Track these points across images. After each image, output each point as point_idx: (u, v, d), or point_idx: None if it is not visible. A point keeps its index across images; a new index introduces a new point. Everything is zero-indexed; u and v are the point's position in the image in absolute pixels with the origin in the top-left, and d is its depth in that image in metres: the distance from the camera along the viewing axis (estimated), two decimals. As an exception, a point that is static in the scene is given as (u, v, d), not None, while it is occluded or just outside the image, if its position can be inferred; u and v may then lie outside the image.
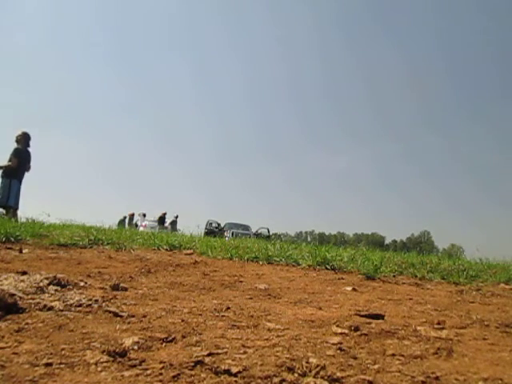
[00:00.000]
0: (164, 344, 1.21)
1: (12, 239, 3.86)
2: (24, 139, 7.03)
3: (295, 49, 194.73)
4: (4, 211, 6.89)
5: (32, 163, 7.18)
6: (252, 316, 1.67)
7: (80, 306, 1.59)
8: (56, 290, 1.79)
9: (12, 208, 6.87)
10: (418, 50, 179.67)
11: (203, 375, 0.98)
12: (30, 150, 7.15)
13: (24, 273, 2.04)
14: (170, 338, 1.25)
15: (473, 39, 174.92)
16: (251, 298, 2.11)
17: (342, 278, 3.14)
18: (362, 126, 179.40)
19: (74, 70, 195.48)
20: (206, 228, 18.41)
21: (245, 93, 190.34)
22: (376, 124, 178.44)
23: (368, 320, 1.70)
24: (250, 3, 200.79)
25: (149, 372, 0.97)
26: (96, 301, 1.68)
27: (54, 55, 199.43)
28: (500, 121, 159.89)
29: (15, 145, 6.98)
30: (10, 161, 6.83)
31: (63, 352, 1.07)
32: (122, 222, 19.95)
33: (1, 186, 6.79)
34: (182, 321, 1.49)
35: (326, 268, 3.67)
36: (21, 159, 6.88)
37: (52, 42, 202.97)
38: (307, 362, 1.08)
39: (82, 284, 2.02)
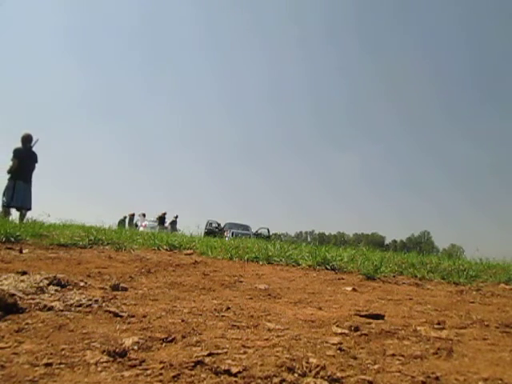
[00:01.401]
0: (164, 344, 1.21)
1: (12, 239, 3.86)
2: (24, 140, 7.07)
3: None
4: (4, 211, 6.91)
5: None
6: (252, 316, 1.67)
7: (80, 306, 1.59)
8: (56, 290, 1.79)
9: (17, 208, 6.91)
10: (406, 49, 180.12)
11: (203, 375, 0.98)
12: (34, 150, 7.18)
13: (24, 273, 2.04)
14: (170, 338, 1.25)
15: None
16: (251, 298, 2.11)
17: (342, 278, 3.14)
18: (361, 128, 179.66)
19: (75, 70, 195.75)
20: (206, 228, 18.42)
21: (235, 99, 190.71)
22: (375, 124, 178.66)
23: (368, 320, 1.70)
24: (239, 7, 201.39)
25: (149, 372, 0.97)
26: (96, 301, 1.68)
27: (55, 55, 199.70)
28: (498, 120, 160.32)
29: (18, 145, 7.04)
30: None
31: (63, 352, 1.07)
32: (122, 222, 19.96)
33: (5, 188, 6.84)
34: (182, 321, 1.49)
35: (326, 268, 3.67)
36: (20, 159, 6.90)
37: (52, 42, 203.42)
38: (307, 362, 1.08)
39: (82, 284, 2.02)
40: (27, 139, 7.10)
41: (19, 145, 7.06)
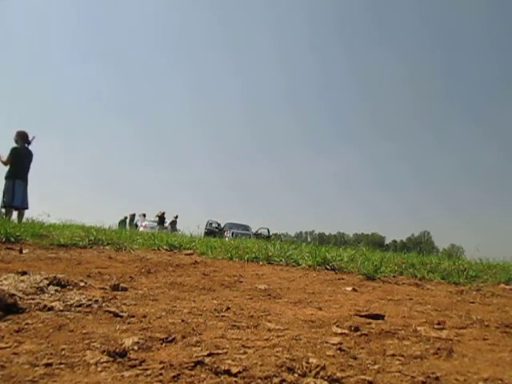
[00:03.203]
0: (164, 344, 1.21)
1: (12, 239, 3.86)
2: (20, 138, 7.01)
3: (290, 53, 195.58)
4: (4, 211, 6.90)
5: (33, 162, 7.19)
6: (252, 316, 1.67)
7: (80, 306, 1.59)
8: (56, 290, 1.79)
9: (16, 208, 6.90)
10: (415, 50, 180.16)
11: (203, 375, 0.98)
12: (30, 148, 7.13)
13: (24, 273, 2.04)
14: (170, 338, 1.25)
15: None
16: (251, 298, 2.11)
17: (342, 279, 3.14)
18: (361, 128, 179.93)
19: (75, 71, 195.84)
20: (206, 228, 18.46)
21: (242, 97, 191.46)
22: (375, 125, 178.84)
23: (368, 320, 1.70)
24: (245, 7, 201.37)
25: (149, 372, 0.97)
26: (96, 301, 1.68)
27: (53, 56, 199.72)
28: (500, 123, 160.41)
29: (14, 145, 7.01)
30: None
31: (63, 352, 1.07)
32: (122, 223, 19.99)
33: (5, 188, 6.81)
34: (182, 321, 1.49)
35: (326, 268, 3.67)
36: (16, 158, 6.87)
37: (49, 44, 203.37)
38: (307, 362, 1.08)
39: (82, 284, 2.02)
40: (23, 137, 7.04)
41: (15, 142, 7.00)
